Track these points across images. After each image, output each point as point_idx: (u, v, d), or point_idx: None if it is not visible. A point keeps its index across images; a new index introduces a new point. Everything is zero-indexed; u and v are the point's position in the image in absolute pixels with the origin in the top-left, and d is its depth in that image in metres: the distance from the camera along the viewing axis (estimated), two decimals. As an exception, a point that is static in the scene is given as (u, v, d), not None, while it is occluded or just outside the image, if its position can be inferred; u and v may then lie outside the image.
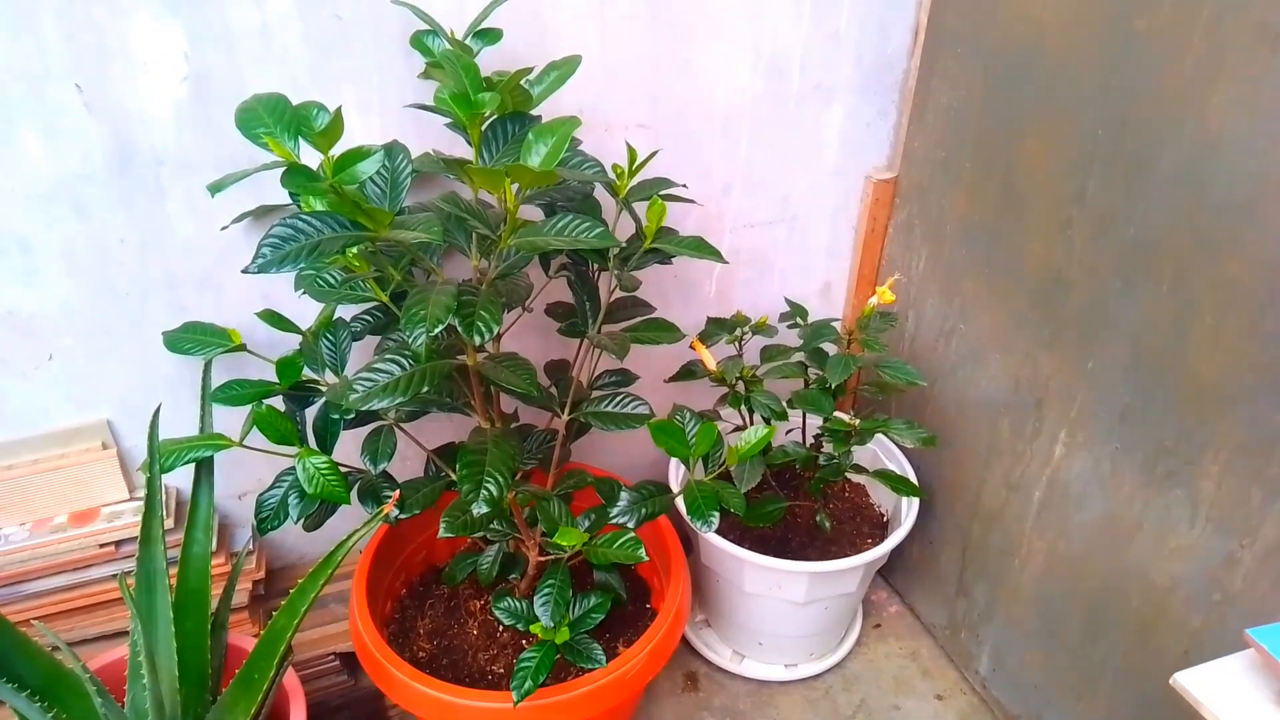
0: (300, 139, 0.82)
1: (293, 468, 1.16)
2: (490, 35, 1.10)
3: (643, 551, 1.10)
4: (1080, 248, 1.18)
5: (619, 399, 1.22)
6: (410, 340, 0.86)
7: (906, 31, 1.43)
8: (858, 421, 1.29)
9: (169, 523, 1.29)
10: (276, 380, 1.14)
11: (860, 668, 1.64)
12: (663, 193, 1.22)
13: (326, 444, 1.19)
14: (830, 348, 1.40)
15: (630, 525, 1.15)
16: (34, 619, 1.26)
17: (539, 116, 1.02)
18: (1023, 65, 1.22)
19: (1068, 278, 1.22)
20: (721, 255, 1.17)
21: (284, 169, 0.76)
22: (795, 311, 1.49)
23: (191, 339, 1.19)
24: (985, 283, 1.38)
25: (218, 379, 1.25)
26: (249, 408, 1.12)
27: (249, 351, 1.19)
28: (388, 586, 1.45)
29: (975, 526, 1.49)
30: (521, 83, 0.99)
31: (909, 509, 1.46)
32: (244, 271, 0.83)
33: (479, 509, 0.98)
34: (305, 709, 1.20)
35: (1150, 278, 1.09)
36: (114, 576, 1.28)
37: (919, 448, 1.28)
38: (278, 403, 1.15)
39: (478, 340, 0.88)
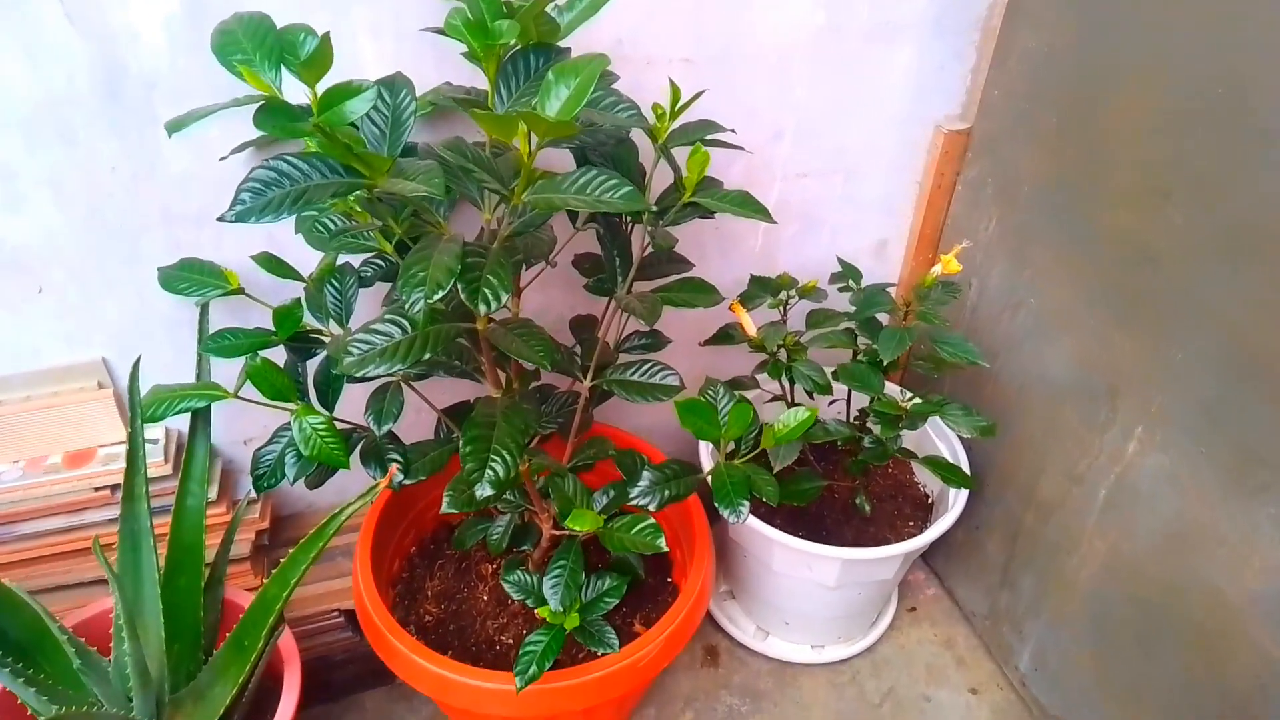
0: (284, 69, 0.71)
1: (291, 424, 1.08)
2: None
3: (662, 541, 1.00)
4: (1177, 221, 1.03)
5: (647, 367, 1.11)
6: (407, 306, 0.75)
7: (992, -37, 1.27)
8: (910, 404, 1.17)
9: (167, 468, 1.22)
10: (274, 328, 1.05)
11: (891, 652, 1.55)
12: (707, 138, 1.10)
13: (328, 400, 1.10)
14: (884, 317, 1.28)
15: (651, 507, 1.06)
16: (28, 559, 1.22)
17: (568, 50, 0.89)
18: (1127, 5, 1.06)
19: (1156, 253, 1.07)
20: (769, 214, 1.04)
21: (258, 106, 0.65)
22: (847, 273, 1.36)
23: (187, 278, 1.10)
24: (1059, 252, 1.24)
25: (218, 322, 1.16)
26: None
27: (248, 295, 1.10)
28: (397, 544, 1.38)
29: (1028, 516, 1.37)
30: (548, 9, 0.86)
31: (957, 496, 1.34)
32: (220, 219, 0.73)
33: (483, 491, 0.88)
34: (300, 673, 1.14)
35: (1260, 261, 0.94)
36: (110, 521, 1.22)
37: (975, 438, 1.16)
38: (278, 353, 1.07)
39: (483, 309, 0.77)
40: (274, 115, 0.66)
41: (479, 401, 0.96)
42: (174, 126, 0.66)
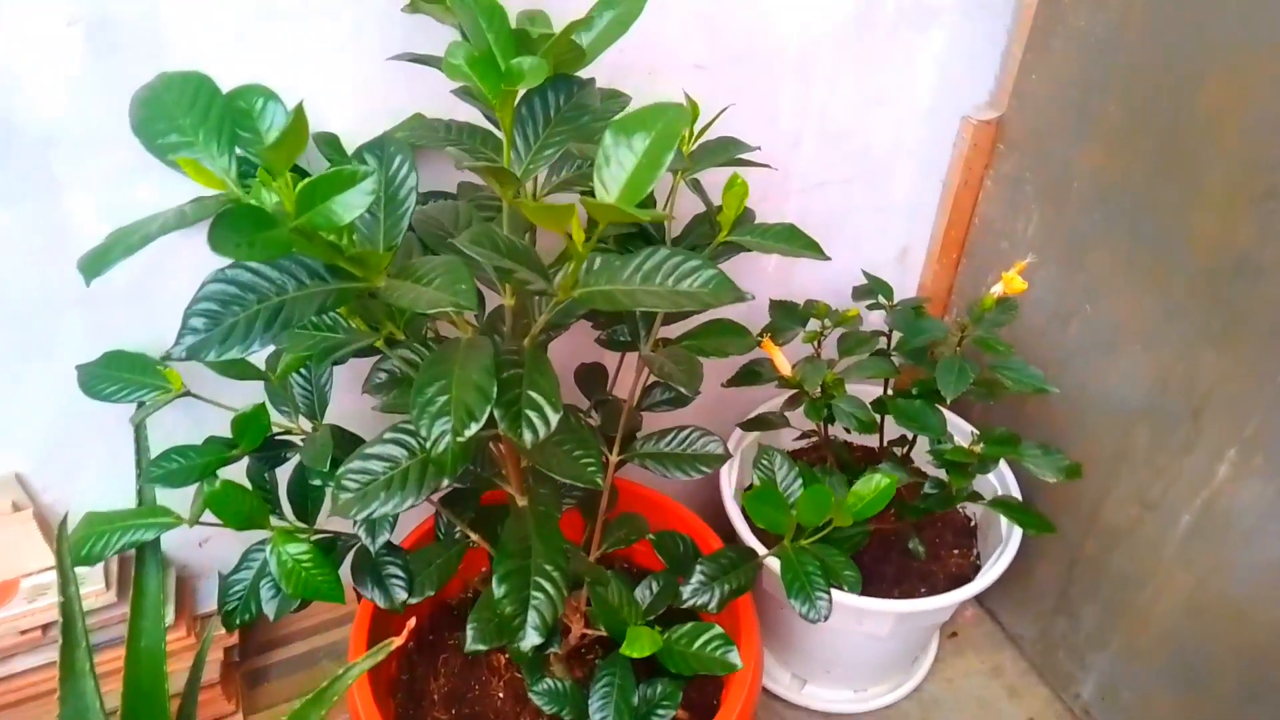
0: (235, 150, 0.51)
1: (264, 542, 0.89)
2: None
3: (736, 656, 0.85)
4: (1283, 228, 0.90)
5: (685, 436, 0.94)
6: (429, 445, 0.57)
7: (1030, -69, 1.11)
8: (981, 447, 1.02)
9: (110, 595, 1.02)
10: (234, 440, 0.85)
11: (938, 689, 1.43)
12: (736, 157, 0.93)
13: (308, 512, 0.91)
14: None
15: (711, 607, 0.90)
16: (-51, 718, 1.01)
17: (591, 81, 0.71)
18: (1214, -19, 0.92)
19: (1258, 263, 0.94)
20: (822, 249, 0.88)
21: (214, 218, 0.46)
22: (876, 288, 1.20)
23: (115, 378, 0.89)
24: (1126, 258, 1.10)
25: (161, 424, 0.96)
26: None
27: (194, 396, 0.90)
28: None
29: (1090, 542, 1.25)
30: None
31: (1011, 527, 1.21)
32: (166, 358, 0.54)
33: (529, 640, 0.71)
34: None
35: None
36: (47, 665, 1.01)
37: (1061, 480, 1.02)
38: (239, 470, 0.87)
39: (529, 439, 0.60)
40: (238, 227, 0.46)
41: (507, 519, 0.78)
42: (90, 269, 0.46)
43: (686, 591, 0.90)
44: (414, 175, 0.62)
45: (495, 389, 0.58)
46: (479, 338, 0.62)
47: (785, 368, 1.09)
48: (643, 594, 0.94)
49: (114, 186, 0.86)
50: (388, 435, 0.70)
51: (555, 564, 0.75)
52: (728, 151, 0.94)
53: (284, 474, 0.92)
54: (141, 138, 0.50)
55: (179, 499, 0.86)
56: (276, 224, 0.48)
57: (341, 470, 0.69)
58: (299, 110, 0.47)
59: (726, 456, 0.93)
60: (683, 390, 0.86)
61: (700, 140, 0.94)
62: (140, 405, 0.88)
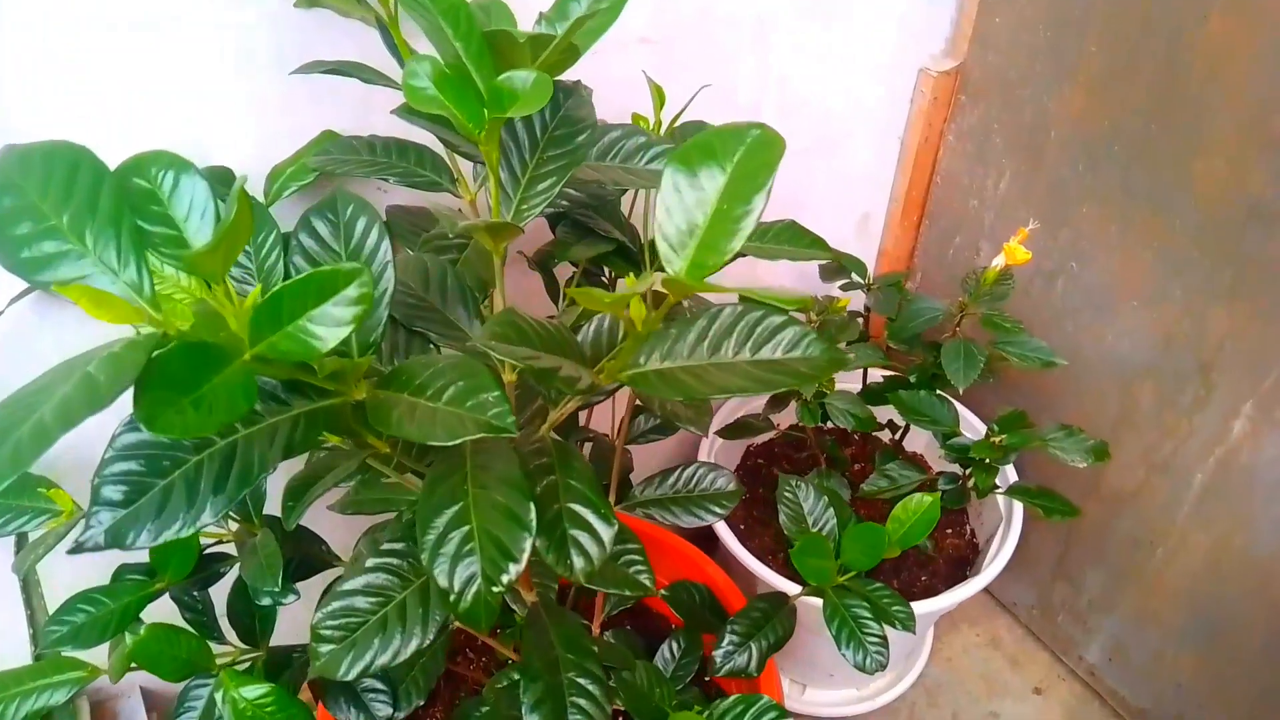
0: (143, 253, 0.35)
1: (208, 676, 0.72)
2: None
3: (797, 732, 0.74)
4: (1303, 170, 0.83)
5: (692, 474, 0.82)
6: (452, 596, 0.43)
7: None
8: (1003, 438, 0.93)
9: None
10: (154, 567, 0.67)
11: (940, 671, 1.37)
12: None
13: (256, 634, 0.74)
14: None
15: (750, 670, 0.78)
16: None
17: (576, 84, 0.56)
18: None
19: (1273, 210, 0.87)
20: (828, 246, 0.77)
21: (139, 378, 0.30)
22: (849, 265, 1.10)
23: (-17, 503, 0.70)
24: (1119, 211, 1.02)
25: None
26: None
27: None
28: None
29: (1090, 506, 1.19)
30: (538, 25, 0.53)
31: (1011, 506, 1.14)
32: (71, 553, 0.38)
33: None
34: None
35: None
36: None
37: (1090, 464, 0.94)
38: (163, 607, 0.70)
39: (581, 568, 0.46)
40: (180, 381, 0.31)
41: (524, 632, 0.64)
42: None
43: (719, 657, 0.78)
44: (386, 243, 0.46)
45: (534, 511, 0.44)
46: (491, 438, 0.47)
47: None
48: (664, 662, 0.82)
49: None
50: (371, 562, 0.55)
51: (590, 674, 0.62)
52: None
53: (219, 590, 0.75)
54: (2, 253, 0.33)
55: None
56: (229, 360, 0.33)
57: (318, 619, 0.53)
58: (241, 192, 0.31)
59: (740, 493, 0.81)
60: (692, 430, 0.73)
61: (664, 129, 0.80)
62: (20, 540, 0.69)
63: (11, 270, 0.34)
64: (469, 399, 0.40)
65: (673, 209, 0.39)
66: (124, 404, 0.34)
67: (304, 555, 0.76)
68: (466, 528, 0.44)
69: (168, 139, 0.70)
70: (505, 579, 0.43)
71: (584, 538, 0.46)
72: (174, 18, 0.66)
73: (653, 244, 0.81)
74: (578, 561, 0.46)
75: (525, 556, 0.43)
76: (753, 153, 0.38)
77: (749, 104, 1.01)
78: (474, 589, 0.43)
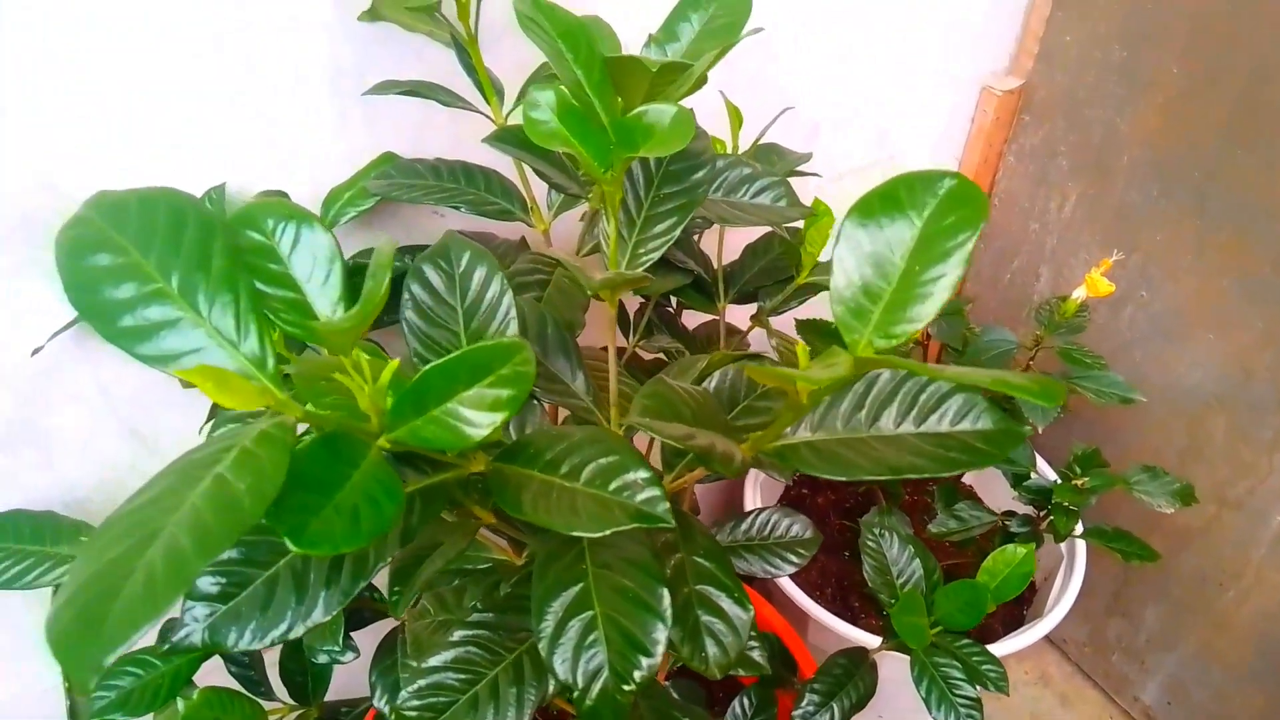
0: (262, 319, 0.30)
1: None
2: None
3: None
4: None
5: (764, 521, 0.77)
6: (575, 693, 0.38)
7: None
8: (1085, 480, 0.89)
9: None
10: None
11: (989, 709, 1.31)
12: (793, 175, 0.75)
13: (309, 692, 0.69)
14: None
15: (833, 732, 0.73)
16: None
17: (690, 114, 0.51)
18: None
19: (1372, 239, 0.83)
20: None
21: (273, 482, 0.25)
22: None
23: (6, 551, 0.65)
24: (1194, 237, 0.98)
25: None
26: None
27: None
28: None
29: (1153, 541, 1.14)
30: (649, 48, 0.48)
31: (1071, 543, 1.09)
32: (164, 655, 0.33)
33: None
34: None
35: None
36: None
37: (1177, 508, 0.90)
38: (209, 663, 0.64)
39: (716, 659, 0.41)
40: (321, 483, 0.26)
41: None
42: (79, 664, 0.24)
43: (798, 716, 0.73)
44: (509, 297, 0.41)
45: (667, 597, 0.39)
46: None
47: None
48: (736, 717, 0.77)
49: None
50: (459, 635, 0.50)
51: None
52: (780, 167, 0.75)
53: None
54: (91, 317, 0.28)
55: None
56: (364, 449, 0.28)
57: (403, 699, 0.48)
58: (386, 254, 0.26)
59: (818, 540, 0.76)
60: (777, 478, 0.69)
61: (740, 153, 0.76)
62: (57, 592, 0.64)
63: (110, 339, 0.28)
64: (612, 480, 0.35)
65: (850, 268, 0.34)
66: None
67: (354, 606, 0.71)
68: (589, 614, 0.39)
69: (219, 159, 0.65)
70: (638, 675, 0.38)
71: (718, 625, 0.41)
72: (228, 32, 0.61)
73: (726, 274, 0.77)
74: (713, 652, 0.41)
75: (660, 649, 0.38)
76: (948, 207, 0.33)
77: (809, 118, 0.96)
78: (600, 685, 0.38)
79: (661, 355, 0.73)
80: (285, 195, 0.66)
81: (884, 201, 0.34)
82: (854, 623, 1.01)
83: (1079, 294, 0.90)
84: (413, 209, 0.77)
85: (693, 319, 0.80)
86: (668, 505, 0.34)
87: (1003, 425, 0.38)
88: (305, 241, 0.31)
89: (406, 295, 0.41)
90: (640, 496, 0.34)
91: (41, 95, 0.57)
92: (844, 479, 0.37)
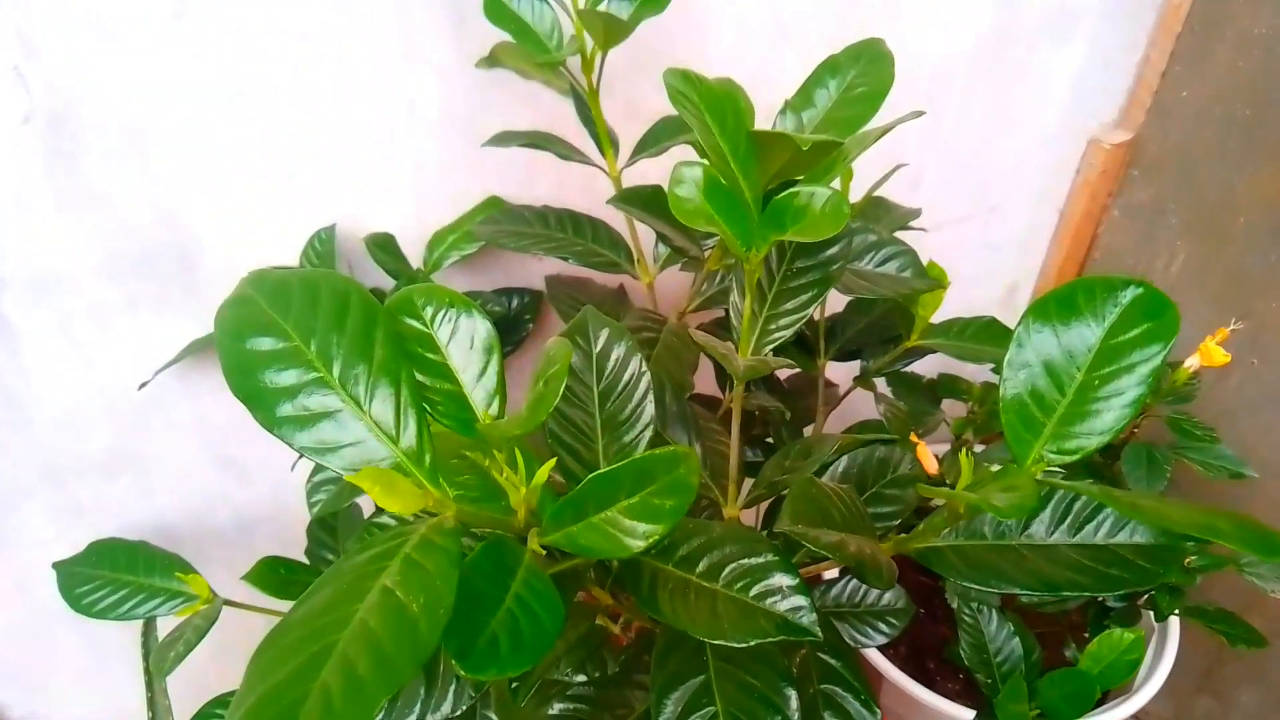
0: (424, 415, 0.29)
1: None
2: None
3: None
4: None
5: (852, 586, 0.74)
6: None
7: (1187, -83, 0.92)
8: (1193, 559, 0.85)
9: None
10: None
11: (1063, 779, 1.27)
12: (900, 229, 0.73)
13: None
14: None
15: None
16: None
17: (842, 197, 0.49)
18: None
19: None
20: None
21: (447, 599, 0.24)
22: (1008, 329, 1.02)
23: (103, 580, 0.65)
24: (1315, 306, 0.93)
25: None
26: None
27: (235, 605, 0.66)
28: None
29: (1253, 619, 1.09)
30: (789, 113, 0.47)
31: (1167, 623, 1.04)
32: None
33: None
34: None
35: None
36: None
37: (1291, 593, 0.85)
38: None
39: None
40: (477, 599, 0.24)
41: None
42: None
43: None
44: (646, 379, 0.39)
45: (796, 699, 0.37)
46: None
47: (933, 465, 0.89)
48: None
49: (83, 323, 0.62)
50: (559, 706, 0.48)
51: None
52: (888, 223, 0.73)
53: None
54: (251, 403, 0.28)
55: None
56: (519, 556, 0.26)
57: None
58: (561, 360, 0.25)
59: (911, 610, 0.73)
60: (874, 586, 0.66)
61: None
62: (148, 627, 0.64)
63: (268, 428, 0.28)
64: (755, 583, 0.33)
65: (1022, 375, 0.32)
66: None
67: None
68: (710, 710, 0.37)
69: (331, 197, 0.66)
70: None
71: (845, 731, 0.39)
72: (344, 72, 0.62)
73: (828, 329, 0.74)
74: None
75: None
76: (1133, 318, 0.31)
77: (914, 166, 0.94)
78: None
79: (762, 409, 0.72)
80: (392, 238, 0.66)
81: (1062, 308, 0.32)
82: (931, 686, 0.97)
83: (1192, 362, 0.86)
84: (508, 257, 0.76)
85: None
86: (815, 616, 0.32)
87: (1163, 540, 0.36)
88: (464, 330, 0.30)
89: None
90: (785, 605, 0.32)
91: (166, 127, 0.58)
92: (994, 588, 0.35)
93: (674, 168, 0.39)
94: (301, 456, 0.28)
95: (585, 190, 0.66)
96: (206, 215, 0.62)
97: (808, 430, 0.77)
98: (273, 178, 0.63)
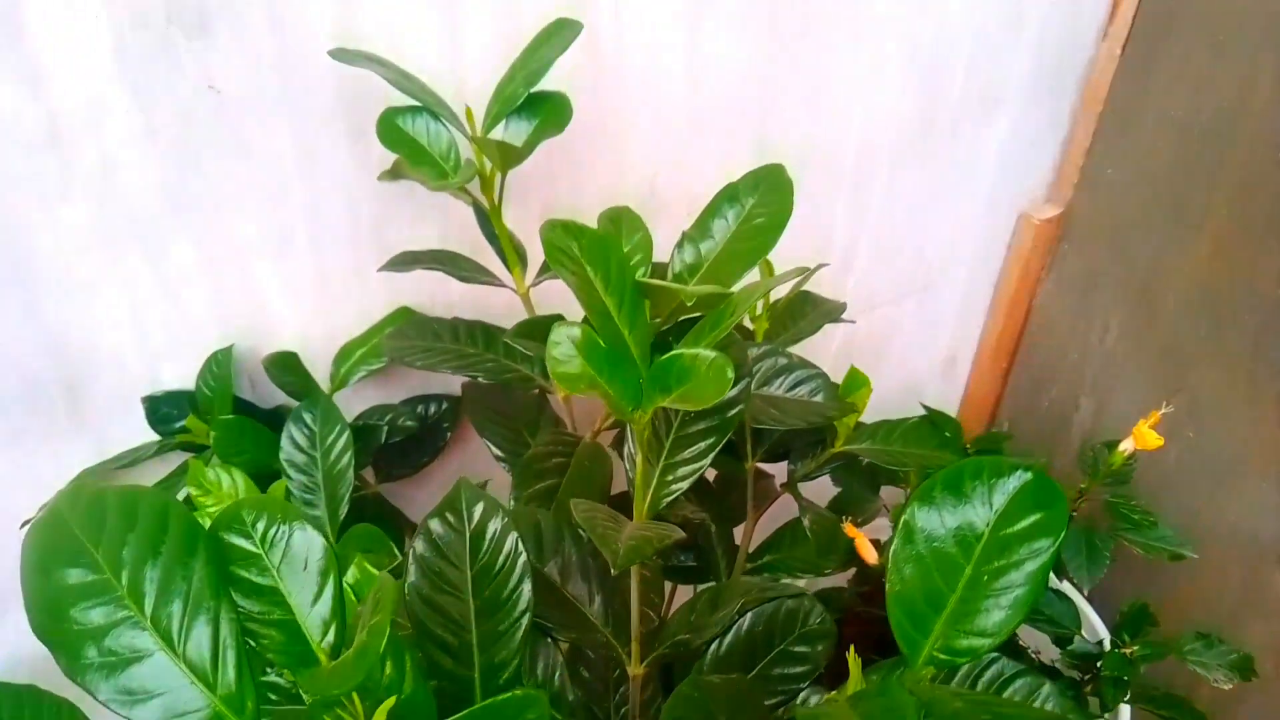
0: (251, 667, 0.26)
1: None
2: (549, 106, 0.53)
3: None
4: None
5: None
6: None
7: (1103, 2, 0.93)
8: (1135, 649, 0.83)
9: None
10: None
11: None
12: (826, 318, 0.72)
13: None
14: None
15: None
16: None
17: (725, 361, 0.48)
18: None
19: None
20: (962, 446, 0.68)
21: None
22: (940, 424, 1.01)
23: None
24: (1246, 378, 0.93)
25: None
26: None
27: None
28: None
29: (1201, 693, 1.08)
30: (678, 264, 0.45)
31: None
32: None
33: None
34: None
35: None
36: None
37: (1236, 681, 0.84)
38: None
39: None
40: None
41: None
42: None
43: None
44: (523, 559, 0.36)
45: None
46: None
47: (872, 556, 0.88)
48: None
49: None
50: None
51: None
52: (814, 319, 0.72)
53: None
54: (58, 650, 0.25)
55: None
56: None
57: None
58: (388, 592, 0.23)
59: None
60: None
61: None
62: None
63: (72, 676, 0.25)
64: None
65: (908, 568, 0.30)
66: None
67: None
68: None
69: (225, 315, 0.63)
70: None
71: None
72: (238, 190, 0.59)
73: (754, 431, 0.72)
74: None
75: None
76: (1022, 503, 0.29)
77: (844, 245, 0.93)
78: None
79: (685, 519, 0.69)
80: (294, 356, 0.64)
81: (949, 492, 0.30)
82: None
83: (1126, 446, 0.85)
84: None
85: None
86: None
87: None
88: (298, 548, 0.28)
89: (412, 553, 0.37)
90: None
91: (49, 253, 0.55)
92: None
93: (552, 328, 0.37)
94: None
95: (501, 292, 0.63)
96: (93, 341, 0.59)
97: (738, 531, 0.75)
98: (165, 297, 0.60)
